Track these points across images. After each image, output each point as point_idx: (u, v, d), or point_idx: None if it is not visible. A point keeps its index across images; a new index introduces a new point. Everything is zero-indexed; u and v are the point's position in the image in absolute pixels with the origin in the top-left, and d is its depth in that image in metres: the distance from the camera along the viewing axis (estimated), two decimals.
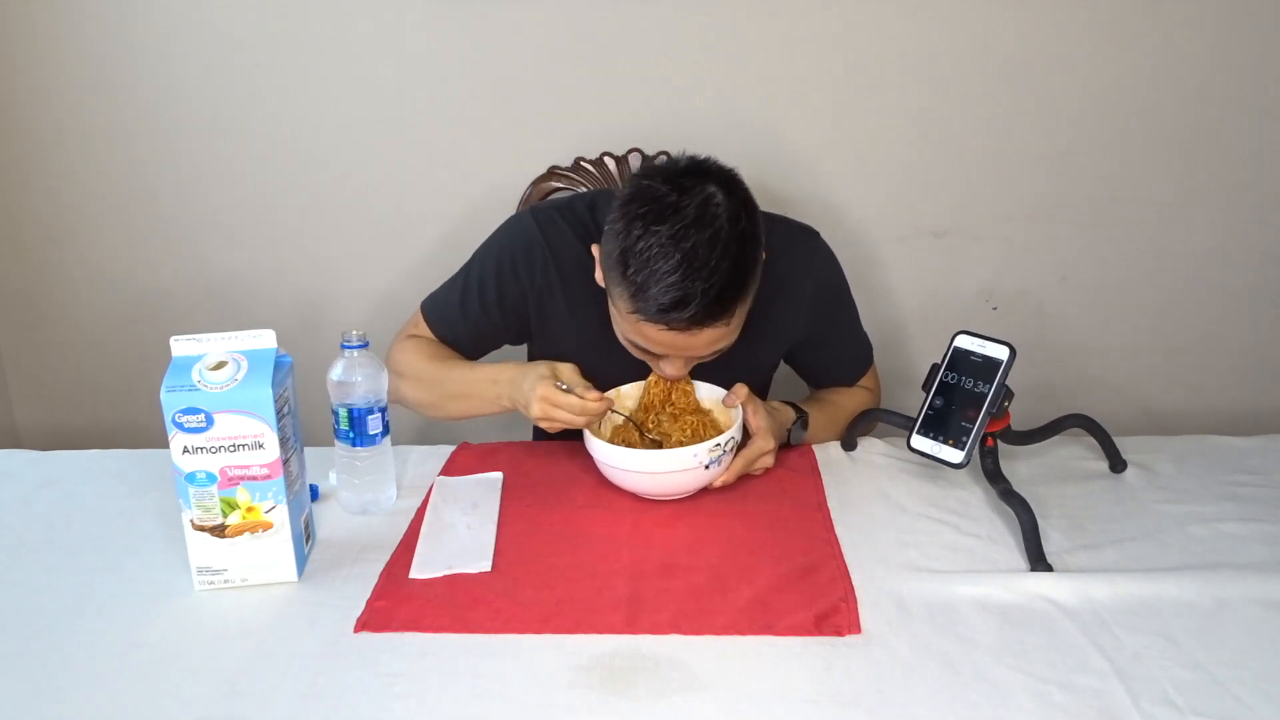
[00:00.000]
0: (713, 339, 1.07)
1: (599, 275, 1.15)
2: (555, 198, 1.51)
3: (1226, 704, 0.81)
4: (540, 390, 1.12)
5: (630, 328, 1.08)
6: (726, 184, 1.05)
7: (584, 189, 1.59)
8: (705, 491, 1.13)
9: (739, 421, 1.13)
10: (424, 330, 1.33)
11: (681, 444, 1.15)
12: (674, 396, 1.20)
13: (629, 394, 1.22)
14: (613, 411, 1.18)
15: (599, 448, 1.12)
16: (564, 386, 1.12)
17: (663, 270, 1.00)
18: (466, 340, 1.33)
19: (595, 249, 1.15)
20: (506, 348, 1.38)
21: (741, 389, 1.16)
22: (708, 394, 1.21)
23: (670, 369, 1.14)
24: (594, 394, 1.12)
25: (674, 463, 1.08)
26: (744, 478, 1.16)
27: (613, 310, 1.12)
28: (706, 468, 1.09)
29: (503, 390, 1.20)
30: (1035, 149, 1.67)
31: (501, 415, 1.35)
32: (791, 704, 0.81)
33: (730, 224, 1.02)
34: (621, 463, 1.10)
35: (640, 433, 1.19)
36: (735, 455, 1.13)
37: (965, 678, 0.84)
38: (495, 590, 0.97)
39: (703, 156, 1.08)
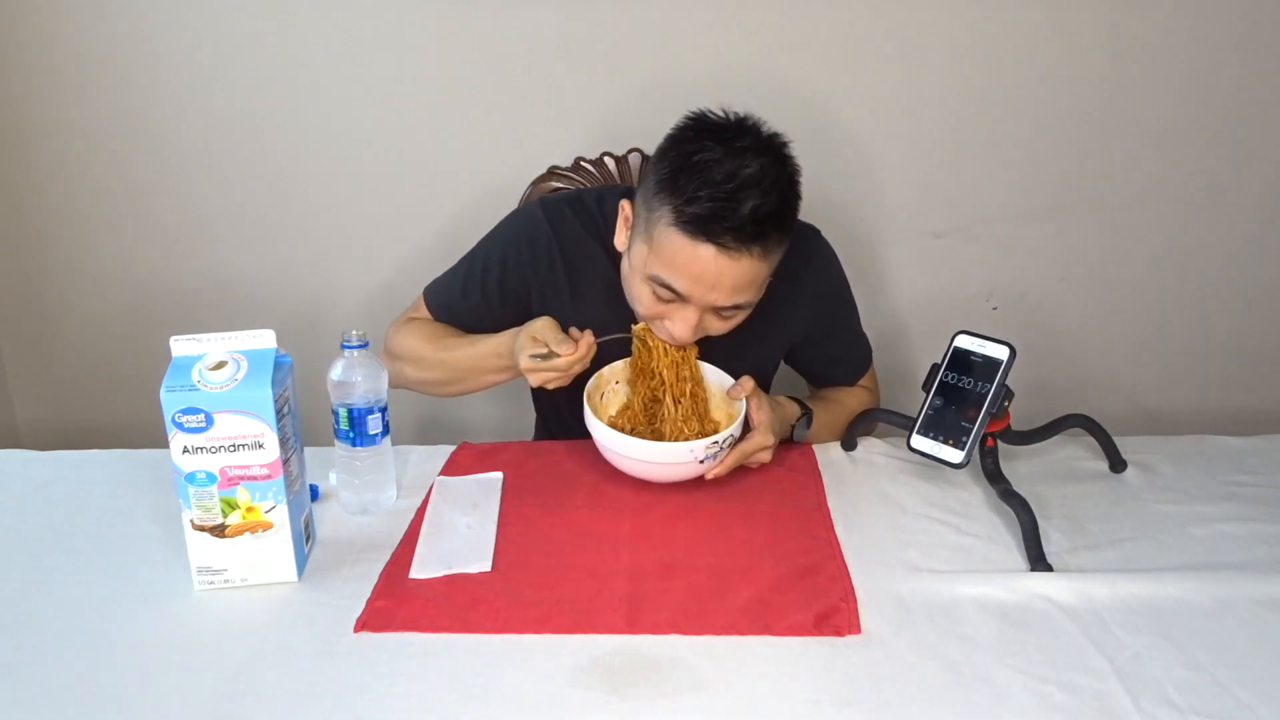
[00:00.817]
0: (742, 277, 1.06)
1: (620, 237, 1.17)
2: (563, 191, 1.51)
3: (1226, 704, 0.81)
4: (522, 365, 1.14)
5: (662, 260, 1.07)
6: (771, 141, 1.10)
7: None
8: (705, 491, 1.13)
9: (740, 419, 1.13)
10: (424, 313, 1.34)
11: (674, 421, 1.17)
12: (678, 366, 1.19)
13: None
14: (615, 385, 1.21)
15: (597, 428, 1.12)
16: (542, 354, 1.12)
17: (719, 179, 1.04)
18: (465, 325, 1.33)
19: (625, 204, 1.17)
20: None
21: (748, 381, 1.16)
22: (714, 379, 1.20)
23: (680, 328, 1.11)
24: (568, 347, 1.12)
25: (669, 455, 1.09)
26: (743, 476, 1.16)
27: (636, 253, 1.12)
28: (701, 462, 1.09)
29: (506, 361, 1.22)
30: (1036, 149, 1.67)
31: (502, 414, 1.35)
32: (791, 704, 0.81)
33: (778, 163, 1.08)
34: (618, 446, 1.11)
35: (638, 398, 1.20)
36: (733, 450, 1.13)
37: (965, 678, 0.84)
38: (495, 590, 0.97)
39: (753, 117, 1.12)
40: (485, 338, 1.27)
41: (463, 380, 1.28)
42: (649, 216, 1.09)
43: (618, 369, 1.22)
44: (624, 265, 1.16)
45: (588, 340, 1.13)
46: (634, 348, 1.19)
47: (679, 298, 1.09)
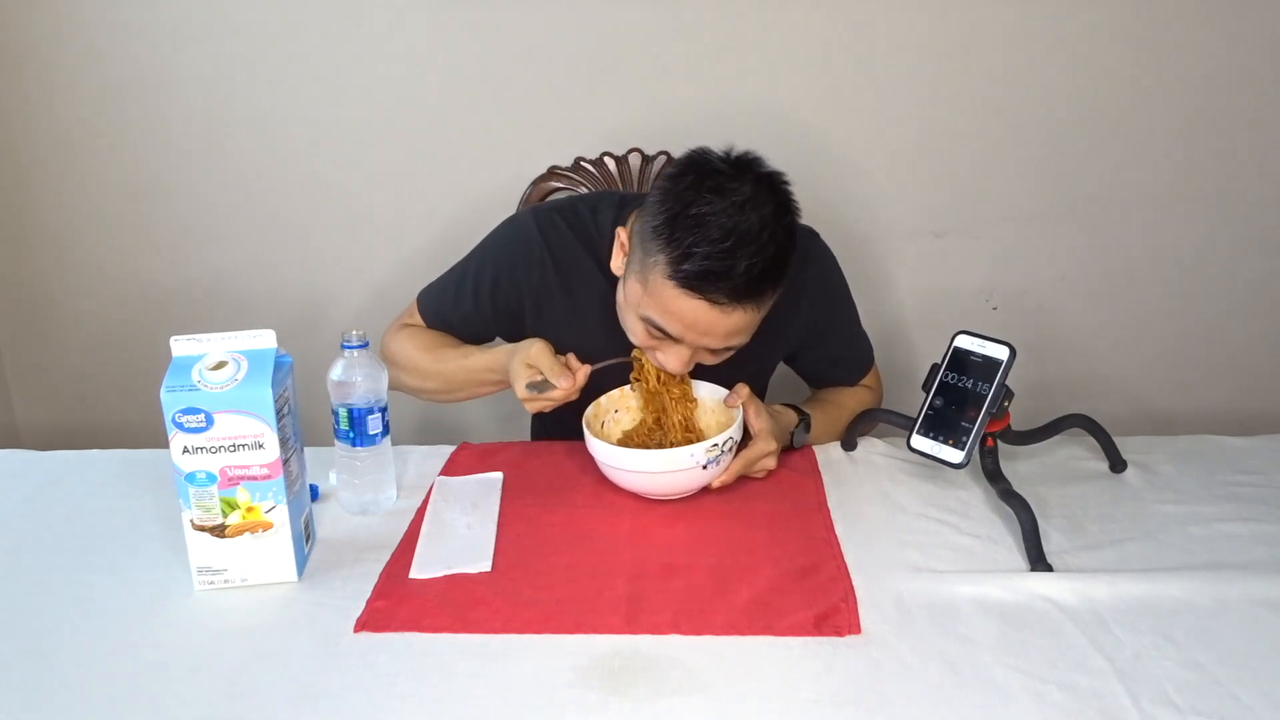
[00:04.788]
0: (735, 326, 1.07)
1: (616, 261, 1.16)
2: (557, 199, 1.51)
3: (1226, 704, 0.81)
4: (518, 394, 1.14)
5: (656, 304, 1.07)
6: (772, 181, 1.08)
7: (584, 189, 1.60)
8: (705, 491, 1.13)
9: (738, 422, 1.13)
10: (417, 319, 1.35)
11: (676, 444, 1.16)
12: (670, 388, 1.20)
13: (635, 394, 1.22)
14: (614, 414, 1.20)
15: (598, 447, 1.12)
16: (537, 382, 1.12)
17: (715, 237, 1.02)
18: (457, 332, 1.34)
19: (621, 231, 1.16)
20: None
21: (743, 389, 1.16)
22: (709, 394, 1.21)
23: (673, 361, 1.12)
24: (565, 380, 1.11)
25: (670, 463, 1.08)
26: (744, 478, 1.16)
27: (631, 289, 1.11)
28: (704, 468, 1.09)
29: (499, 376, 1.22)
30: (1036, 149, 1.67)
31: (502, 414, 1.35)
32: (791, 704, 0.81)
33: (777, 215, 1.05)
34: (619, 462, 1.10)
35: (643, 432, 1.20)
36: (735, 456, 1.13)
37: (965, 678, 0.84)
38: (495, 590, 0.97)
39: (752, 155, 1.10)
40: (479, 351, 1.27)
41: (456, 391, 1.29)
42: (644, 259, 1.08)
43: (615, 397, 1.22)
44: (619, 292, 1.16)
45: (583, 373, 1.12)
46: (639, 373, 1.19)
47: (671, 338, 1.10)
